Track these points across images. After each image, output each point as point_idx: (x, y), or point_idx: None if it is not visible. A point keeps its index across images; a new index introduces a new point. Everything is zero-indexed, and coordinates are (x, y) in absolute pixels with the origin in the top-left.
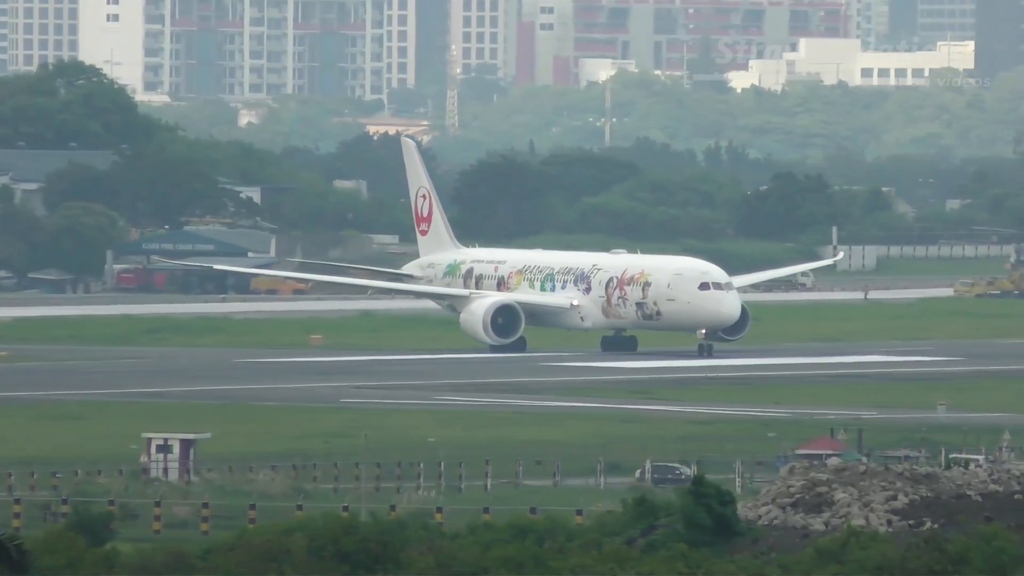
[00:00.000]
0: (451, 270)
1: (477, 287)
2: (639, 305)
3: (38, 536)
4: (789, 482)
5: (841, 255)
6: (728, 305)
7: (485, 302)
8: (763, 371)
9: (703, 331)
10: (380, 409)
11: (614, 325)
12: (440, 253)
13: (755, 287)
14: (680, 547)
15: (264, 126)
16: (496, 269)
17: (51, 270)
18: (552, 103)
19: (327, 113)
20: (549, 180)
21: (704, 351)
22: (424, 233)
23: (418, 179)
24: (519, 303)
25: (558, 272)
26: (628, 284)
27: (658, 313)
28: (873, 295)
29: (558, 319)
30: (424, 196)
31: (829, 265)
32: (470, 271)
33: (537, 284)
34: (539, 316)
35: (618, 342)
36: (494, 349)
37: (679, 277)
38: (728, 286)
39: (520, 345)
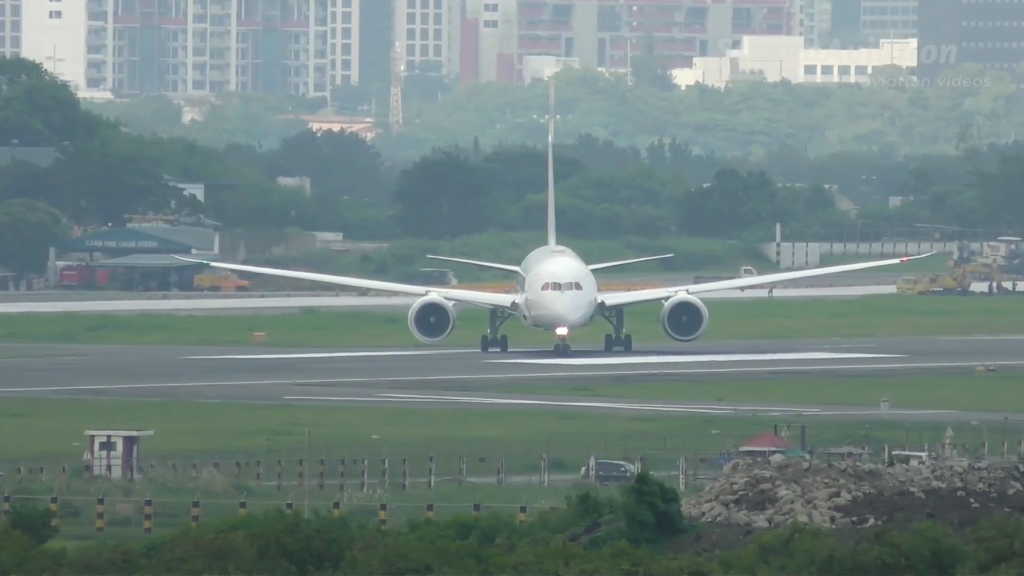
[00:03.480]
0: (523, 267)
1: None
2: (526, 304)
3: None
4: (732, 479)
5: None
6: (559, 306)
7: (417, 300)
8: (706, 368)
9: (559, 329)
10: (323, 406)
11: (537, 322)
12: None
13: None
14: (621, 544)
15: (207, 123)
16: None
17: None
18: (496, 100)
19: (270, 110)
20: (492, 177)
21: (559, 350)
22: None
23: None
24: (478, 302)
25: (521, 272)
26: (525, 284)
27: (529, 312)
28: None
29: (515, 317)
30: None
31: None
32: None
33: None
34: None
35: (617, 340)
36: (492, 347)
37: (536, 278)
38: (569, 286)
39: (502, 344)
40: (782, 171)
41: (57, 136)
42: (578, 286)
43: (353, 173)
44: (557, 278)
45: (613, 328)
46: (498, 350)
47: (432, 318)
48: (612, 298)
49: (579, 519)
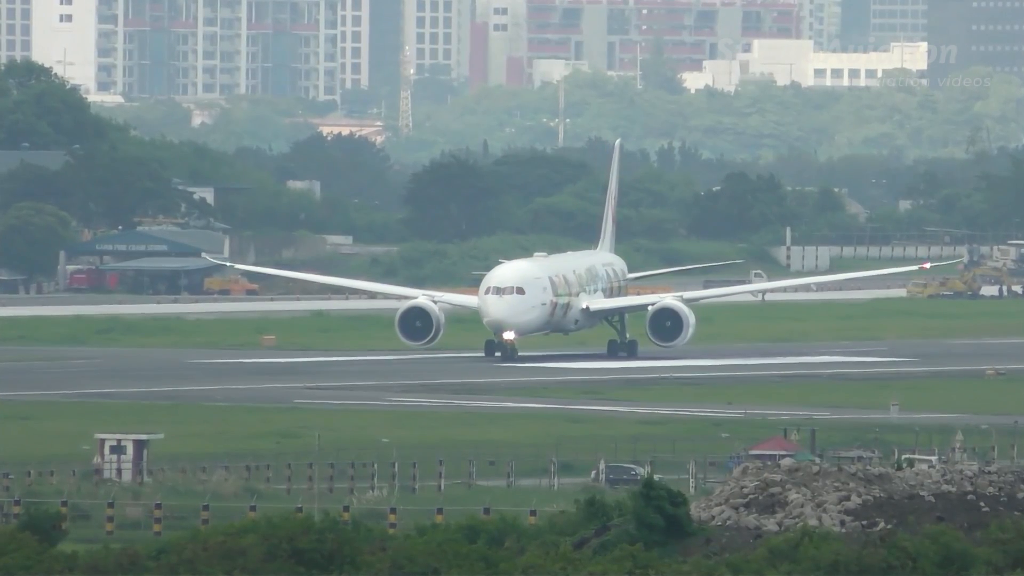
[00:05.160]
0: None
1: None
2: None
3: None
4: (742, 482)
5: None
6: (495, 311)
7: (403, 304)
8: (715, 371)
9: (505, 334)
10: (333, 409)
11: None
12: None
13: (709, 284)
14: (634, 547)
15: (217, 126)
16: None
17: (2, 270)
18: (505, 103)
19: (280, 113)
20: (501, 180)
21: (504, 354)
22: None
23: (614, 180)
24: (467, 306)
25: None
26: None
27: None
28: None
29: None
30: (613, 197)
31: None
32: None
33: None
34: None
35: (621, 345)
36: (497, 351)
37: (484, 281)
38: (509, 291)
39: (505, 348)
40: (791, 174)
41: (67, 139)
42: (520, 291)
43: (362, 176)
44: (498, 282)
45: (617, 333)
46: (499, 354)
47: (417, 322)
48: (597, 303)
49: (588, 522)
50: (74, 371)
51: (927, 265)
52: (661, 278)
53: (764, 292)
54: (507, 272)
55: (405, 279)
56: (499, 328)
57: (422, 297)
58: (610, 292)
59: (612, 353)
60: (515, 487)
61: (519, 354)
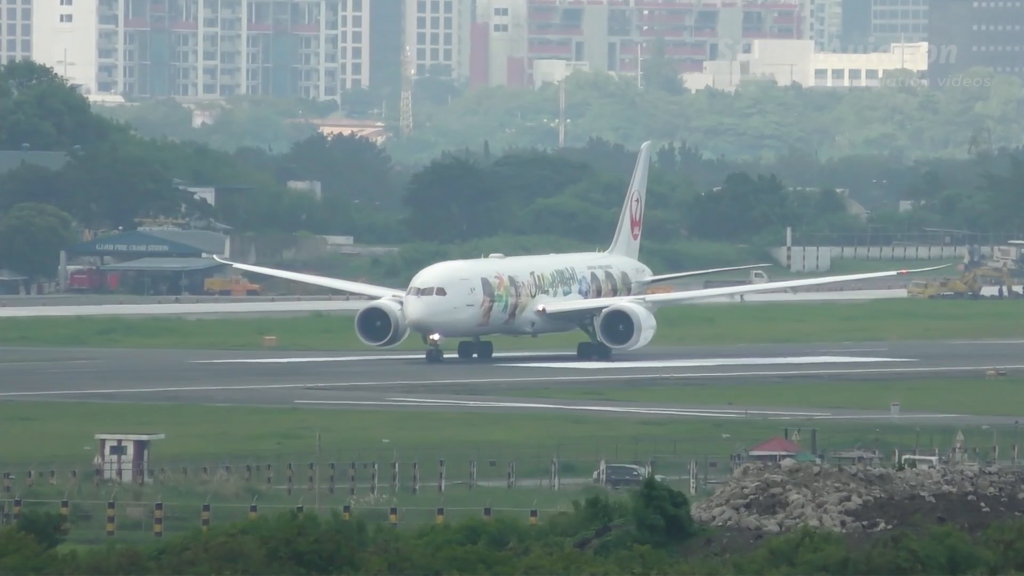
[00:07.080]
0: None
1: None
2: None
3: None
4: (743, 483)
5: None
6: (411, 311)
7: (364, 305)
8: (716, 371)
9: (432, 335)
10: (333, 410)
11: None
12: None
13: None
14: (643, 548)
15: (218, 127)
16: None
17: (3, 271)
18: (506, 104)
19: (280, 114)
20: (502, 181)
21: (429, 356)
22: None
23: (636, 183)
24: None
25: None
26: None
27: None
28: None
29: None
30: (637, 200)
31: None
32: None
33: None
34: None
35: (592, 348)
36: (473, 352)
37: (411, 282)
38: (429, 291)
39: (483, 349)
40: (792, 175)
41: (68, 140)
42: (440, 291)
43: (363, 177)
44: (421, 283)
45: (589, 336)
46: (476, 356)
47: (378, 323)
48: (553, 305)
49: (589, 523)
50: (75, 372)
51: (905, 271)
52: (671, 281)
53: (743, 294)
54: (431, 273)
55: (406, 280)
56: (419, 329)
57: (385, 298)
58: (600, 296)
59: (583, 355)
60: (516, 488)
61: (493, 355)
